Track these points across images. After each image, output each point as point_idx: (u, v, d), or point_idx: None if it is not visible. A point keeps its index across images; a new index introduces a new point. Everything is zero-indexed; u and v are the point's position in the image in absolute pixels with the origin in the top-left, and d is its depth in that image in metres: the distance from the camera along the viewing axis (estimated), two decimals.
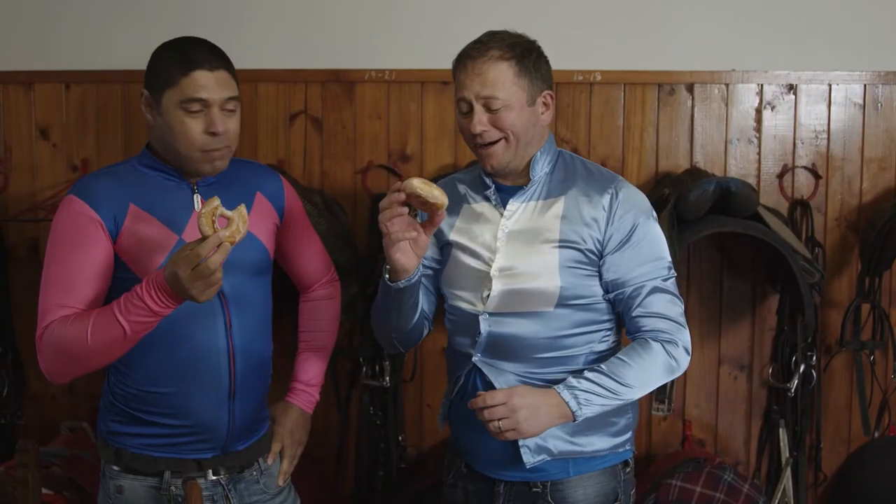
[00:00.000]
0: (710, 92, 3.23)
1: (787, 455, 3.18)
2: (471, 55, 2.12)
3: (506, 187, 2.20)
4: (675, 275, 2.17)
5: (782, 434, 3.20)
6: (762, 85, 3.22)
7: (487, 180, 2.20)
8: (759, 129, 3.24)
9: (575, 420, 2.03)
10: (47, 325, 2.02)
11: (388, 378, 3.18)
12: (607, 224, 2.11)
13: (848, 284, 3.27)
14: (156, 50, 2.14)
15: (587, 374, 2.05)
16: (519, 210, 2.17)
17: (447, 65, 3.27)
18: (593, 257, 2.12)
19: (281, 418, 2.37)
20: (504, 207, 2.18)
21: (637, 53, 3.20)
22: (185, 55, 2.08)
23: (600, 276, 2.13)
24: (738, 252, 3.27)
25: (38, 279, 2.11)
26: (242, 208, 1.97)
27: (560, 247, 2.11)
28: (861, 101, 3.22)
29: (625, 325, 2.18)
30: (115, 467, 2.18)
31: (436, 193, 2.00)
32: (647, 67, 3.21)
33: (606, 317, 2.17)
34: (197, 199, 2.14)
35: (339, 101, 3.27)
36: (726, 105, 3.23)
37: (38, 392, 3.40)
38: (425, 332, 2.30)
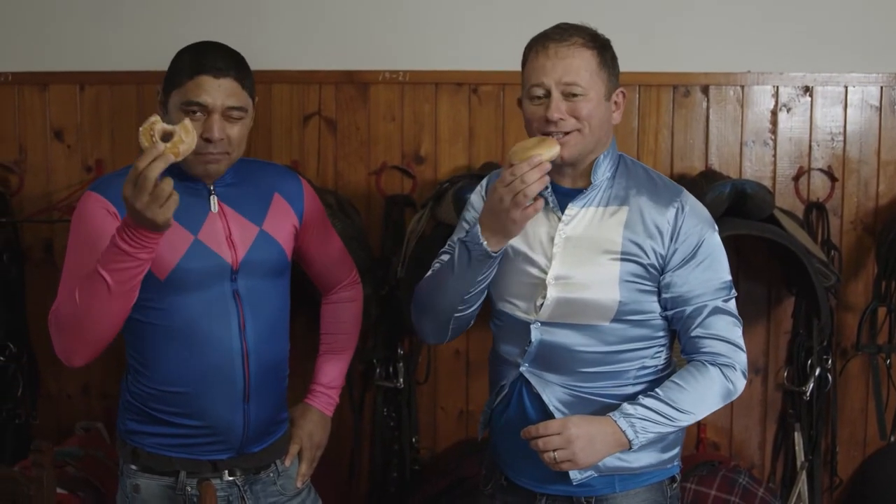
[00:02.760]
0: (726, 94, 3.22)
1: (803, 459, 3.16)
2: (553, 39, 2.01)
3: (563, 189, 2.08)
4: (736, 294, 2.08)
5: (797, 438, 3.19)
6: (777, 87, 3.21)
7: (546, 178, 2.08)
8: (774, 131, 3.23)
9: (631, 448, 1.95)
10: (54, 309, 2.03)
11: (401, 380, 3.18)
12: (672, 239, 2.02)
13: (864, 287, 3.26)
14: (179, 51, 2.15)
15: (643, 400, 1.97)
16: (578, 215, 2.05)
17: (461, 66, 3.25)
18: (654, 272, 2.02)
19: (300, 420, 2.35)
20: (562, 211, 2.06)
21: (652, 55, 3.18)
22: (195, 59, 2.08)
23: (659, 293, 2.04)
24: (754, 255, 3.25)
25: (53, 280, 2.11)
26: (187, 121, 1.94)
27: (621, 259, 2.01)
28: (877, 103, 3.21)
29: (680, 344, 2.08)
30: (133, 466, 2.18)
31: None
32: (661, 69, 3.19)
33: (661, 333, 2.08)
34: (213, 200, 2.14)
35: (353, 103, 3.26)
36: (741, 107, 3.22)
37: (53, 392, 3.41)
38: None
